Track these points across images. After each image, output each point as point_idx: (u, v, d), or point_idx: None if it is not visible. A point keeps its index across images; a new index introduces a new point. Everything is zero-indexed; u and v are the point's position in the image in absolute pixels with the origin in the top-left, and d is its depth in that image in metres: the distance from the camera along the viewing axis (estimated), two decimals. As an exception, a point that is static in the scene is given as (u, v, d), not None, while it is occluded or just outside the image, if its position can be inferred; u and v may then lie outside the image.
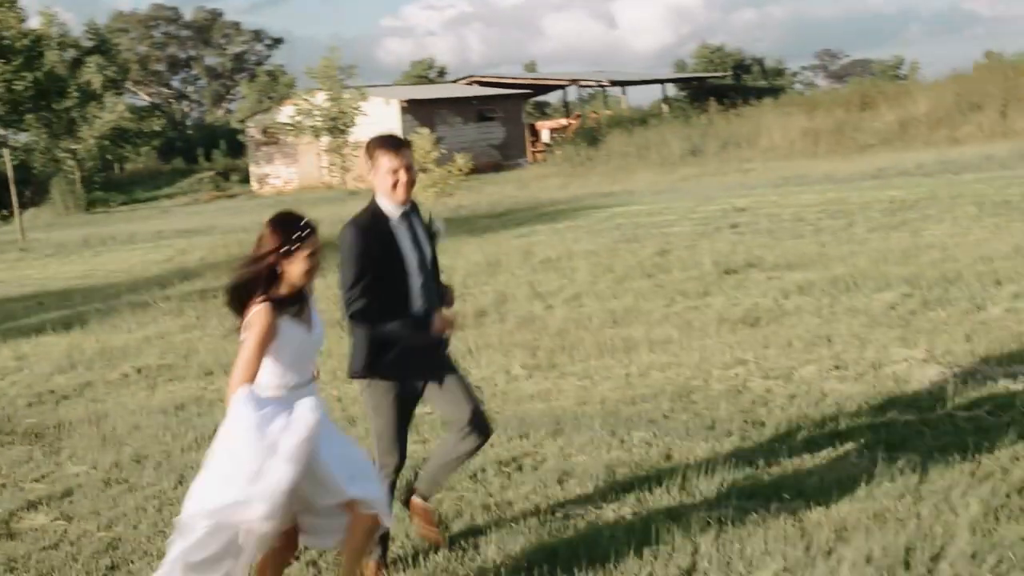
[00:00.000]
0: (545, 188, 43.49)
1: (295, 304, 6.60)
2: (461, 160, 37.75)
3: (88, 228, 44.95)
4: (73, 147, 66.44)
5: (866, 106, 51.91)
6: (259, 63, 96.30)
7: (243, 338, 6.53)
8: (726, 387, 11.78)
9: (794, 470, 9.06)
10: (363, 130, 58.19)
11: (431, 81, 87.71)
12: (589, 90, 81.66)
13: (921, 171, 32.80)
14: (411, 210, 7.69)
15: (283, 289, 6.56)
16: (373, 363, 7.54)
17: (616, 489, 8.98)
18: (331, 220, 35.99)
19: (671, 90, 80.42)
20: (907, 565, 6.99)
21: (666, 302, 16.77)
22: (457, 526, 8.41)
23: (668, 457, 9.67)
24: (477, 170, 47.83)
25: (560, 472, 9.48)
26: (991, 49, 73.18)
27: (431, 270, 7.72)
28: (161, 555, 8.36)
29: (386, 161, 7.50)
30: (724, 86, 78.25)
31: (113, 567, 8.37)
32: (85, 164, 67.89)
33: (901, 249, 19.07)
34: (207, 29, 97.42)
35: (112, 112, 68.77)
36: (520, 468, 9.67)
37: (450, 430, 7.94)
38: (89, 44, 72.59)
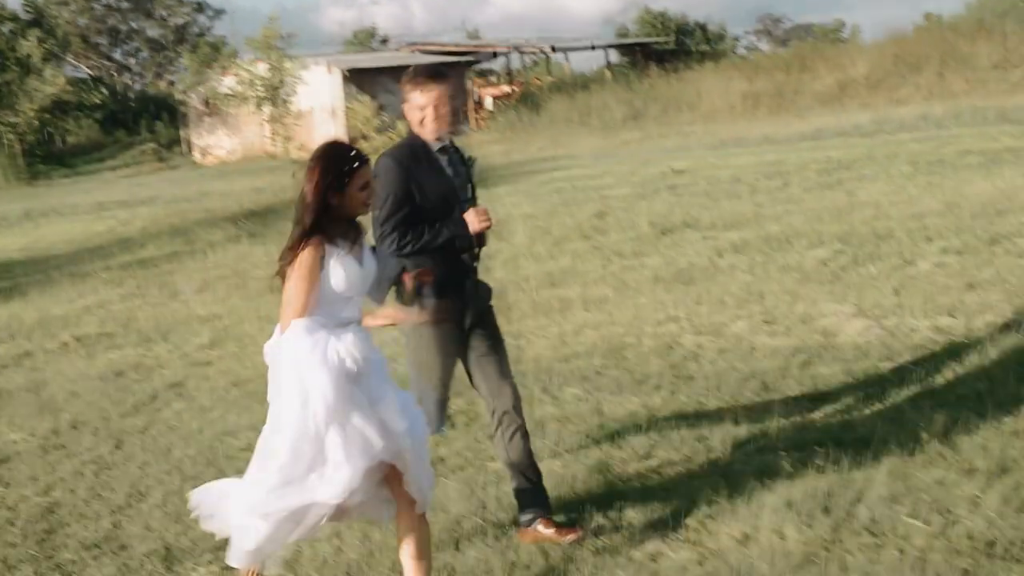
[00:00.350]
0: (487, 154, 43.52)
1: (348, 237, 6.28)
2: (403, 127, 37.70)
3: (29, 200, 44.64)
4: (12, 120, 65.93)
5: (805, 69, 52.14)
6: (201, 34, 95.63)
7: (290, 277, 6.20)
8: (658, 343, 11.95)
9: (721, 421, 9.23)
10: (305, 99, 58.00)
11: (373, 50, 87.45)
12: (532, 57, 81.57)
13: (858, 132, 33.05)
14: (449, 146, 7.47)
15: (336, 222, 6.25)
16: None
17: (546, 443, 9.11)
18: (273, 189, 35.63)
19: (613, 56, 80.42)
20: (827, 510, 7.15)
21: (602, 262, 16.92)
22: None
23: (599, 412, 9.82)
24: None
25: (492, 428, 9.60)
26: (930, 11, 73.57)
27: (468, 207, 7.46)
28: (98, 517, 8.51)
29: (415, 96, 7.29)
30: (666, 51, 78.27)
31: (51, 531, 8.42)
32: (26, 137, 67.40)
33: (835, 208, 19.29)
34: (147, 1, 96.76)
35: (52, 85, 68.22)
36: (453, 425, 9.78)
37: (489, 420, 7.67)
38: (27, 17, 72.01)
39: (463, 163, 7.53)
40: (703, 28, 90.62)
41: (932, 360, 10.30)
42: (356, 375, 6.07)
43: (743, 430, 8.97)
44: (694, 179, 25.68)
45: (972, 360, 10.15)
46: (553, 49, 74.66)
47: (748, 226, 18.48)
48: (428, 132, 7.29)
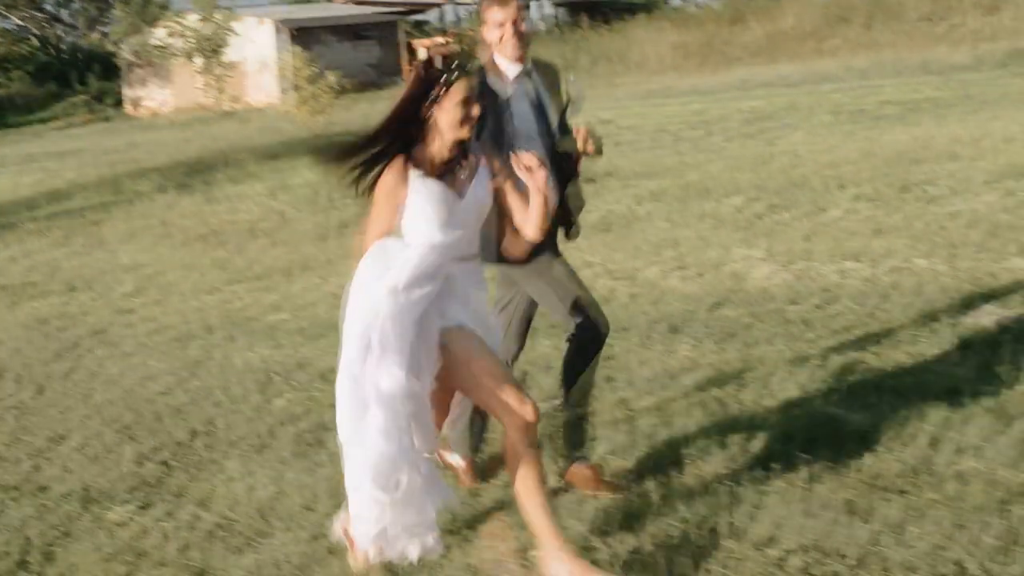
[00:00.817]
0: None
1: (445, 163, 5.69)
2: (332, 78, 37.63)
3: (-43, 154, 44.37)
4: (-59, 72, 65.44)
5: (737, 21, 52.38)
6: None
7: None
8: (572, 289, 12.16)
9: (627, 362, 9.48)
10: (238, 51, 57.77)
11: (308, 1, 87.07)
12: (469, 9, 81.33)
13: (783, 83, 33.40)
14: (534, 72, 7.01)
15: (433, 146, 5.67)
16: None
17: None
18: (201, 139, 35.40)
19: (549, 8, 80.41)
20: (723, 444, 7.41)
21: (521, 212, 17.11)
22: (305, 424, 8.72)
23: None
24: (353, 88, 47.82)
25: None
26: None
27: (552, 140, 6.97)
28: (18, 460, 8.64)
29: (493, 14, 6.84)
30: (600, 3, 78.30)
31: (-29, 473, 8.57)
32: (-46, 90, 66.94)
33: (754, 156, 19.59)
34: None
35: (-18, 37, 67.73)
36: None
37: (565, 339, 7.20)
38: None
39: (549, 88, 7.05)
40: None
41: (835, 302, 10.64)
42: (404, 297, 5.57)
43: (648, 370, 9.23)
44: (619, 129, 25.86)
45: (872, 302, 10.50)
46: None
47: (669, 175, 18.75)
48: (509, 50, 6.87)
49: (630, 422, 8.03)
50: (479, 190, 5.78)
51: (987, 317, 9.74)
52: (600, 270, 12.86)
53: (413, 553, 5.83)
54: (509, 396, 5.76)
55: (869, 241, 12.84)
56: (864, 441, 7.26)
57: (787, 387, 8.39)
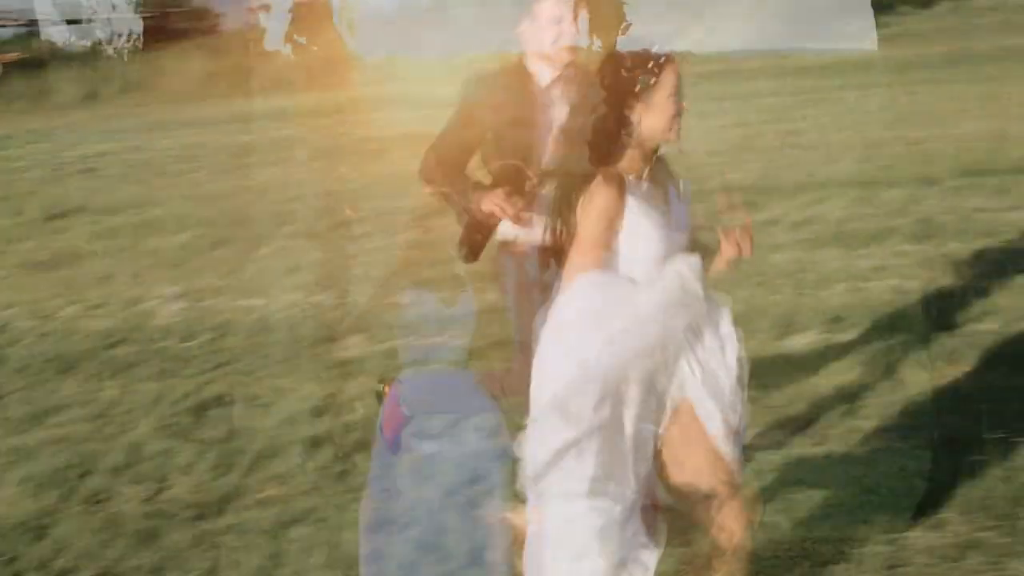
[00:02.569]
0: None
1: (645, 175, 4.69)
2: None
3: None
4: None
5: (262, 52, 52.95)
6: None
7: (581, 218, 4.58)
8: (-15, 329, 12.53)
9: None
10: None
11: None
12: (13, 30, 78.94)
13: (285, 114, 33.74)
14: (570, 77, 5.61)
15: (635, 150, 4.63)
16: None
17: None
18: None
19: (103, 32, 78.79)
20: (57, 483, 8.00)
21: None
22: None
23: None
24: None
25: None
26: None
27: None
28: None
29: (547, 7, 5.54)
30: (150, 28, 77.28)
31: None
32: None
33: (222, 192, 20.04)
34: None
35: None
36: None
37: None
38: None
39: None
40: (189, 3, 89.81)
41: (224, 338, 11.33)
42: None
43: (27, 409, 9.74)
44: (111, 162, 25.93)
45: (258, 337, 11.27)
46: (29, 22, 72.80)
47: (135, 210, 18.96)
48: (560, 56, 5.62)
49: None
50: (679, 211, 4.81)
51: (352, 349, 10.67)
52: (24, 310, 13.12)
53: None
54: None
55: (281, 278, 13.61)
56: (187, 472, 7.99)
57: (134, 419, 9.09)
